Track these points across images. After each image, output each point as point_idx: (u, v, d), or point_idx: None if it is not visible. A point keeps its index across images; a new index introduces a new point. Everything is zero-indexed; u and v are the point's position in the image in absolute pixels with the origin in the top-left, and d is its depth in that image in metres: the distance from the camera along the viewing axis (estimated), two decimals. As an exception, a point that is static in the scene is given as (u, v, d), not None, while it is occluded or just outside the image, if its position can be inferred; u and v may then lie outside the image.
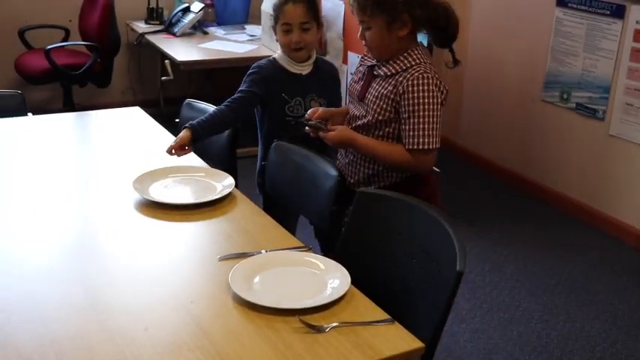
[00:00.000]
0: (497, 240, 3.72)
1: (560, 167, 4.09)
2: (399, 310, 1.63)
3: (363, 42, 2.17)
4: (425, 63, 2.11)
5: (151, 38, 4.80)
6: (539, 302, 3.17)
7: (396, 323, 1.54)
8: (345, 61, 4.32)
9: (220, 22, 5.19)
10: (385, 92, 2.13)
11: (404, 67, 2.11)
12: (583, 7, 3.76)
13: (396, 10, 2.07)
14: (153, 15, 5.11)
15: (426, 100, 2.07)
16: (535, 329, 2.96)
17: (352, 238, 1.97)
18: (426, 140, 2.08)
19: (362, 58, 2.31)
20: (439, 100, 2.10)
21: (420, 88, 2.07)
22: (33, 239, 1.86)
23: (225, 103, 2.50)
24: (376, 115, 2.15)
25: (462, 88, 4.75)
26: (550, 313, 3.09)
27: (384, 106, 2.13)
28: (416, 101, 2.07)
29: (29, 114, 2.88)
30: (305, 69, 2.57)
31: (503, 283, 3.31)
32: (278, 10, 2.54)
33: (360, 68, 2.29)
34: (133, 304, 1.58)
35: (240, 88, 2.55)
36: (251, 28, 5.02)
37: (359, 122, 2.21)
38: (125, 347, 1.42)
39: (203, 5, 4.95)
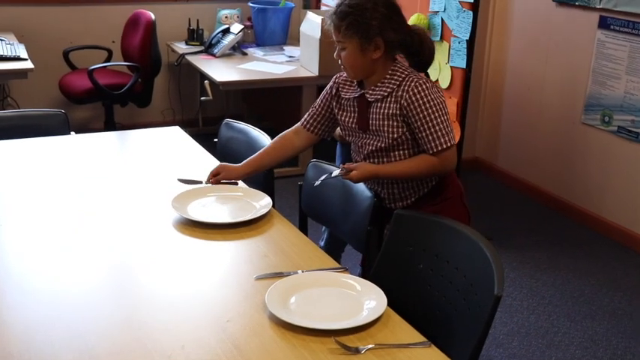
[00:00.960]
0: (535, 264, 3.66)
1: (600, 191, 4.02)
2: (435, 333, 1.62)
3: (339, 61, 2.22)
4: (411, 72, 2.20)
5: (191, 59, 4.86)
6: (578, 328, 3.10)
7: (433, 346, 1.52)
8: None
9: (259, 44, 5.25)
10: (390, 112, 2.17)
11: (397, 84, 2.17)
12: (625, 30, 3.72)
13: (368, 33, 2.12)
14: (193, 36, 5.19)
15: (433, 102, 2.14)
16: (574, 356, 2.90)
17: (389, 259, 1.96)
18: (446, 139, 2.16)
19: (337, 88, 2.32)
20: (443, 99, 2.17)
21: (422, 94, 2.14)
22: (73, 256, 1.88)
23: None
24: (390, 136, 2.19)
25: (501, 111, 4.71)
26: (590, 339, 3.02)
27: (394, 124, 2.17)
28: (424, 107, 2.14)
29: (72, 133, 2.93)
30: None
31: (541, 308, 3.25)
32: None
33: (344, 101, 2.29)
34: (170, 321, 1.59)
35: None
36: (290, 49, 5.06)
37: (371, 148, 2.24)
38: (162, 364, 1.43)
39: (242, 27, 5.02)
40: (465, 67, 3.50)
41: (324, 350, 1.49)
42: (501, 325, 3.08)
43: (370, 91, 2.20)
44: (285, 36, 5.30)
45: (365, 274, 2.22)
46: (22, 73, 4.10)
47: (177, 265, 1.87)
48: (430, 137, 2.15)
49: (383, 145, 2.21)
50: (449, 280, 1.80)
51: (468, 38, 3.45)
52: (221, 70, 4.57)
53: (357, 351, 1.48)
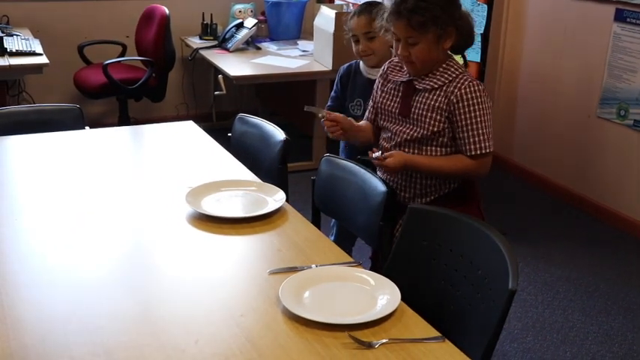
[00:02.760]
0: (550, 259, 3.64)
1: (616, 185, 3.99)
2: (449, 328, 1.61)
3: (403, 58, 2.17)
4: (465, 71, 2.20)
5: (205, 53, 4.87)
6: (593, 323, 3.09)
7: (447, 341, 1.52)
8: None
9: (273, 38, 5.25)
10: (437, 104, 2.17)
11: (449, 79, 2.17)
12: (641, 22, 3.68)
13: (444, 23, 2.12)
14: (207, 31, 5.19)
15: (482, 107, 2.15)
16: (589, 351, 2.89)
17: (402, 254, 1.95)
18: (487, 144, 2.16)
19: (386, 73, 2.33)
20: (490, 105, 2.18)
21: (474, 95, 2.14)
22: (88, 251, 1.89)
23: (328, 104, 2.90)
24: (430, 128, 2.18)
25: (516, 105, 4.69)
26: (605, 334, 3.00)
27: (438, 117, 2.17)
28: (473, 108, 2.14)
29: (86, 127, 2.95)
30: (374, 74, 2.67)
31: (556, 303, 3.24)
32: (347, 24, 2.78)
33: (390, 85, 2.30)
34: (184, 315, 1.59)
35: (332, 92, 2.95)
36: (303, 44, 5.06)
37: (406, 137, 2.23)
38: (176, 359, 1.44)
39: (256, 21, 5.02)
40: (479, 60, 3.48)
41: (337, 345, 1.49)
42: (516, 320, 3.07)
43: (420, 79, 2.20)
44: (298, 30, 5.29)
45: (375, 268, 2.23)
46: (37, 68, 4.13)
47: (191, 259, 1.88)
48: (472, 139, 2.15)
49: (420, 135, 2.20)
50: (463, 275, 1.80)
51: (482, 32, 3.44)
52: (235, 65, 4.57)
53: (370, 345, 1.48)
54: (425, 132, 2.19)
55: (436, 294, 1.85)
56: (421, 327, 1.57)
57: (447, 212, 1.92)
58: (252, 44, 5.00)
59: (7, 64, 3.99)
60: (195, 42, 5.14)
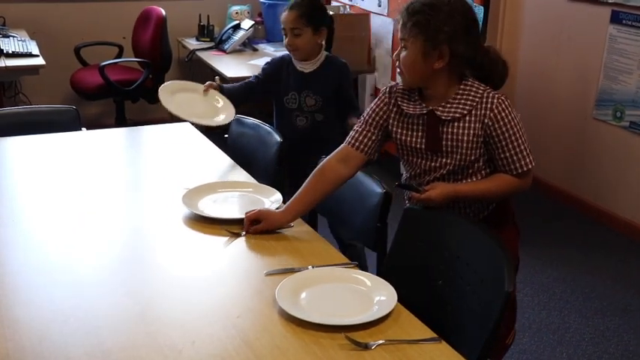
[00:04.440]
0: (546, 260, 3.65)
1: (612, 186, 4.00)
2: (446, 329, 1.62)
3: (397, 62, 2.02)
4: (486, 87, 2.01)
5: (202, 55, 4.88)
6: (590, 324, 3.09)
7: (443, 342, 1.52)
8: (393, 77, 4.32)
9: (270, 39, 5.25)
10: (471, 132, 1.98)
11: (476, 101, 1.97)
12: (638, 24, 3.69)
13: (435, 38, 1.91)
14: (204, 32, 5.20)
15: (516, 121, 2.00)
16: (586, 352, 2.89)
17: (399, 255, 1.96)
18: (530, 159, 2.02)
19: (396, 102, 2.07)
20: (520, 118, 2.03)
21: (507, 111, 1.98)
22: (85, 252, 1.89)
23: (243, 82, 2.97)
24: (467, 158, 2.01)
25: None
26: (602, 335, 3.01)
27: (474, 145, 1.99)
28: (509, 125, 1.98)
29: (83, 129, 2.95)
30: (307, 67, 2.87)
31: (552, 304, 3.24)
32: (281, 15, 2.90)
33: (407, 119, 2.06)
34: (181, 317, 1.60)
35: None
36: (300, 45, 5.06)
37: (442, 171, 2.04)
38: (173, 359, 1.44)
39: (253, 22, 5.02)
40: (475, 62, 3.49)
41: (334, 346, 1.49)
42: (512, 321, 3.08)
43: (441, 108, 1.98)
44: (295, 32, 5.29)
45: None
46: (33, 70, 4.13)
47: (187, 260, 1.88)
48: (515, 157, 2.00)
49: (455, 168, 2.02)
50: (459, 276, 1.80)
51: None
52: (231, 66, 4.58)
53: (367, 347, 1.48)
54: (462, 163, 2.01)
55: (432, 295, 1.85)
56: (417, 328, 1.57)
57: (442, 214, 1.93)
58: (248, 45, 5.01)
59: (4, 65, 3.99)
60: (192, 43, 5.14)
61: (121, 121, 5.01)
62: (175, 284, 1.75)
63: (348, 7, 4.83)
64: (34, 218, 2.09)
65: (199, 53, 4.91)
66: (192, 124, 2.79)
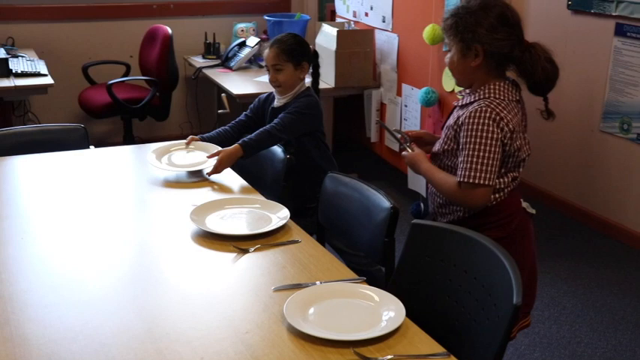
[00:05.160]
0: (556, 274, 3.64)
1: (621, 199, 3.99)
2: (455, 344, 1.61)
3: (447, 66, 2.20)
4: (494, 98, 2.07)
5: (208, 72, 4.90)
6: (601, 339, 3.07)
7: (452, 357, 1.52)
8: (399, 93, 4.33)
9: (275, 56, 5.26)
10: (451, 122, 2.14)
11: (473, 100, 2.10)
12: (642, 37, 3.70)
13: (468, 38, 2.06)
14: (210, 50, 5.23)
15: (480, 134, 2.02)
16: (597, 366, 2.88)
17: (406, 270, 1.96)
18: (475, 174, 2.03)
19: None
20: (495, 136, 2.03)
21: (476, 121, 2.03)
22: (93, 269, 1.90)
23: (231, 123, 2.98)
24: (443, 145, 2.16)
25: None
26: (614, 350, 2.99)
27: (449, 135, 2.13)
28: (470, 133, 2.04)
29: (91, 147, 2.96)
30: (278, 102, 2.94)
31: (563, 318, 3.23)
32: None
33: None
34: (189, 333, 1.60)
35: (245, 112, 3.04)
36: (306, 62, 5.08)
37: (433, 149, 2.25)
38: (181, 376, 1.44)
39: (259, 40, 5.05)
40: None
41: (342, 361, 1.49)
42: (522, 336, 3.06)
43: (464, 94, 2.18)
44: (301, 48, 5.31)
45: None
46: (42, 89, 4.15)
47: (195, 277, 1.88)
48: (462, 165, 2.06)
49: (436, 150, 2.22)
50: (467, 290, 1.80)
51: (483, 48, 3.45)
52: (238, 83, 4.60)
53: (375, 362, 1.48)
54: (438, 147, 2.19)
55: (440, 310, 1.85)
56: (426, 343, 1.57)
57: (450, 227, 1.92)
58: (254, 62, 5.03)
59: (13, 85, 4.02)
60: (198, 61, 5.17)
61: (129, 139, 5.03)
62: (183, 301, 1.75)
63: (352, 23, 4.85)
64: (43, 236, 2.10)
65: (206, 71, 4.93)
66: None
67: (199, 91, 5.47)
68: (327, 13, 5.52)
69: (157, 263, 1.98)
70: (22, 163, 2.68)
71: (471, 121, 2.04)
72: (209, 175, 2.53)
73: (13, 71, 4.15)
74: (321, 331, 1.56)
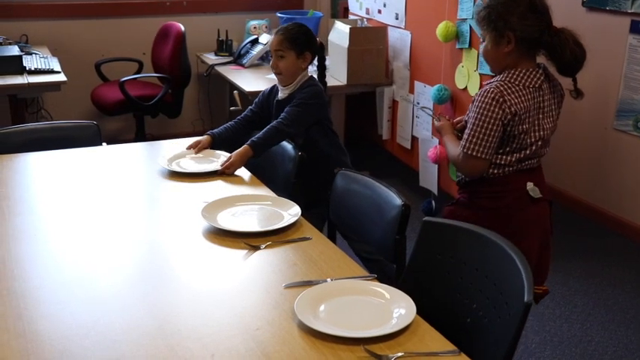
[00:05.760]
0: (568, 272, 3.62)
1: (634, 197, 3.96)
2: (465, 341, 1.61)
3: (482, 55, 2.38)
4: (507, 81, 2.25)
5: (221, 69, 4.91)
6: (613, 337, 3.06)
7: (463, 354, 1.52)
8: (411, 90, 4.32)
9: (287, 54, 5.27)
10: (472, 103, 2.31)
11: (493, 80, 2.28)
12: (657, 34, 3.67)
13: (500, 27, 2.23)
14: (222, 47, 5.23)
15: (482, 112, 2.22)
16: (609, 365, 2.86)
17: (417, 267, 1.95)
18: (472, 147, 2.25)
19: None
20: (495, 115, 2.21)
21: (481, 99, 2.23)
22: (105, 265, 1.91)
23: (237, 118, 2.97)
24: (466, 117, 2.37)
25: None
26: (625, 348, 2.97)
27: (471, 108, 2.31)
28: (475, 110, 2.24)
29: (104, 144, 2.97)
30: (281, 95, 2.94)
31: (574, 317, 3.21)
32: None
33: None
34: (200, 329, 1.60)
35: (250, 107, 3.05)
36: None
37: (463, 122, 2.45)
38: (192, 372, 1.45)
39: (271, 37, 5.05)
40: (493, 73, 3.48)
41: (353, 358, 1.49)
42: (533, 334, 3.05)
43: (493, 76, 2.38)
44: (313, 45, 5.31)
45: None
46: (55, 86, 4.18)
47: (207, 273, 1.89)
48: (466, 136, 2.28)
49: (464, 123, 2.40)
50: (478, 288, 1.79)
51: (496, 45, 3.44)
52: (250, 80, 4.60)
53: (386, 359, 1.48)
54: (463, 122, 2.40)
55: (451, 307, 1.84)
56: (437, 340, 1.57)
57: (461, 225, 1.92)
58: (267, 60, 5.03)
59: (26, 82, 4.04)
60: (211, 58, 5.18)
61: (141, 136, 5.05)
62: (194, 297, 1.75)
63: (365, 20, 4.84)
64: (55, 233, 2.11)
65: (218, 68, 4.94)
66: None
67: (211, 89, 5.49)
68: (340, 10, 5.51)
69: (168, 260, 1.99)
70: (35, 160, 2.70)
71: (478, 99, 2.24)
72: (219, 174, 2.55)
73: (27, 68, 4.17)
74: (331, 328, 1.57)
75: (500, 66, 2.30)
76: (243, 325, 1.62)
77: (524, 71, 2.26)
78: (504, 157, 2.29)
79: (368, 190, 2.31)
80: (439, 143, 3.94)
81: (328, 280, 1.80)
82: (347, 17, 5.16)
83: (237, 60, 4.99)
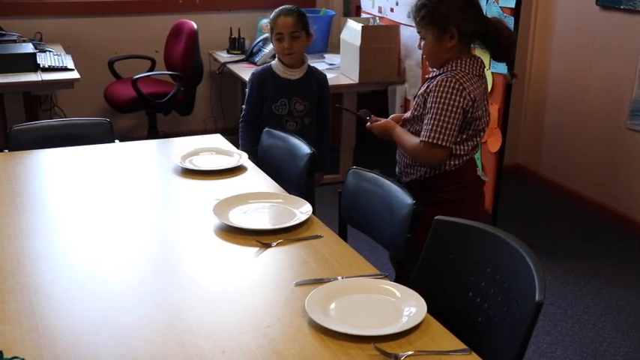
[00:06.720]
0: (580, 272, 3.60)
1: (647, 198, 3.94)
2: (476, 340, 1.60)
3: (421, 51, 2.48)
4: (460, 71, 2.37)
5: (233, 67, 4.92)
6: (625, 338, 3.04)
7: (473, 354, 1.51)
8: (423, 89, 4.31)
9: (300, 52, 5.27)
10: (422, 91, 2.44)
11: (441, 72, 2.39)
12: (671, 33, 3.64)
13: (443, 24, 2.35)
14: (235, 45, 5.24)
15: (444, 101, 2.32)
16: (621, 366, 2.85)
17: (428, 266, 1.95)
18: (435, 135, 2.34)
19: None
20: (457, 104, 2.33)
21: (442, 89, 2.33)
22: (117, 262, 1.92)
23: (247, 119, 3.15)
24: (414, 111, 2.48)
25: (544, 117, 4.66)
26: (637, 350, 2.96)
27: (419, 102, 2.44)
28: (435, 99, 2.34)
29: (116, 141, 2.99)
30: (295, 75, 3.09)
31: (586, 317, 3.20)
32: (273, 22, 3.09)
33: None
34: (211, 326, 1.61)
35: (246, 96, 3.16)
36: (330, 57, 5.08)
37: (405, 116, 2.56)
38: (203, 369, 1.45)
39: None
40: (506, 72, 3.47)
41: (363, 356, 1.49)
42: (545, 334, 3.04)
43: (431, 69, 2.49)
44: (325, 44, 5.32)
45: (399, 277, 2.26)
46: (68, 83, 4.20)
47: (218, 271, 1.89)
48: (426, 126, 2.37)
49: (408, 116, 2.51)
50: (489, 287, 1.79)
51: (509, 44, 3.42)
52: (262, 79, 4.60)
53: (396, 358, 1.48)
54: (410, 114, 2.50)
55: (462, 306, 1.84)
56: (447, 339, 1.57)
57: (473, 224, 1.92)
58: (279, 58, 5.04)
59: (40, 79, 4.06)
60: (223, 56, 5.19)
61: (153, 133, 5.07)
62: (206, 294, 1.76)
63: (377, 18, 4.84)
64: (68, 229, 2.12)
65: (230, 66, 4.95)
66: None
67: (223, 86, 5.50)
68: (353, 9, 5.51)
69: (179, 257, 2.00)
70: (48, 157, 2.71)
71: (438, 89, 2.34)
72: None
73: (41, 66, 4.19)
74: (342, 326, 1.57)
75: (442, 60, 2.41)
76: (254, 323, 1.62)
77: (468, 60, 2.40)
78: (461, 146, 2.43)
79: (379, 188, 2.31)
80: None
81: (339, 278, 1.80)
82: (359, 16, 5.15)
83: (250, 58, 5.00)
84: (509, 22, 3.40)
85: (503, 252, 1.78)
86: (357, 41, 4.37)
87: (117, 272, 1.86)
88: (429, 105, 2.37)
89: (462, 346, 1.54)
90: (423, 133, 2.37)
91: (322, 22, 5.26)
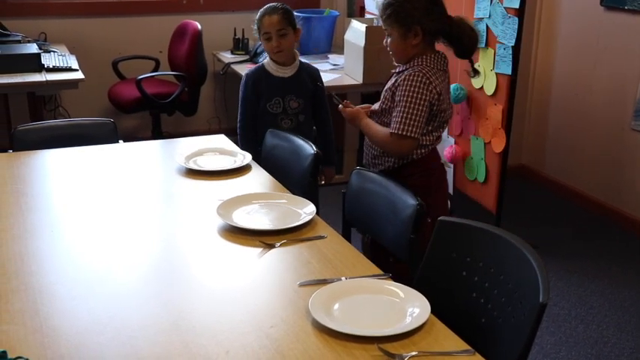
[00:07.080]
0: (584, 273, 3.60)
1: (651, 198, 3.93)
2: (480, 341, 1.60)
3: (388, 48, 2.55)
4: (425, 66, 2.47)
5: (237, 68, 4.92)
6: (629, 339, 3.04)
7: (477, 354, 1.51)
8: (427, 89, 4.31)
9: (304, 52, 5.26)
10: (389, 86, 2.54)
11: (408, 67, 2.48)
12: (676, 33, 3.64)
13: (408, 22, 2.45)
14: (239, 45, 5.25)
15: (412, 94, 2.43)
16: (625, 367, 2.84)
17: (432, 266, 1.95)
18: (404, 127, 2.44)
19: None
20: (424, 97, 2.43)
21: (409, 83, 2.43)
22: (121, 262, 1.92)
23: (244, 124, 3.15)
24: (382, 105, 2.57)
25: (548, 117, 4.65)
26: (641, 350, 2.96)
27: (387, 96, 2.54)
28: (404, 93, 2.44)
29: (120, 141, 2.99)
30: (287, 72, 3.11)
31: (590, 318, 3.19)
32: (259, 22, 3.10)
33: None
34: (214, 326, 1.61)
35: (241, 97, 3.17)
36: (334, 58, 5.08)
37: (373, 108, 2.65)
38: (206, 369, 1.45)
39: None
40: (510, 73, 3.47)
41: (366, 357, 1.49)
42: (548, 335, 3.04)
43: (396, 64, 2.58)
44: (329, 44, 5.32)
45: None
46: (73, 84, 4.21)
47: (221, 271, 1.90)
48: (396, 119, 2.46)
49: (377, 109, 2.62)
50: (493, 288, 1.79)
51: (513, 44, 3.42)
52: (266, 79, 4.60)
53: (400, 358, 1.48)
54: (378, 107, 2.60)
55: (466, 307, 1.84)
56: (451, 340, 1.57)
57: (476, 224, 1.92)
58: (283, 59, 5.04)
59: (45, 79, 4.07)
60: (227, 57, 5.19)
61: (157, 134, 5.07)
62: (209, 295, 1.76)
63: (381, 19, 4.84)
64: (72, 229, 2.13)
65: (234, 66, 4.96)
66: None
67: (227, 87, 5.50)
68: (357, 9, 5.51)
69: (183, 257, 2.00)
70: (53, 157, 2.72)
71: (406, 83, 2.44)
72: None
73: (45, 66, 4.21)
74: (345, 326, 1.57)
75: (407, 57, 2.51)
76: (257, 323, 1.62)
77: (432, 56, 2.50)
78: (427, 137, 2.54)
79: (383, 189, 2.31)
80: (455, 143, 3.93)
81: (343, 278, 1.80)
82: (363, 16, 5.15)
83: (253, 58, 5.00)
84: (513, 23, 3.39)
85: (507, 252, 1.78)
86: (361, 42, 4.37)
87: (121, 272, 1.87)
88: (397, 98, 2.47)
89: (465, 346, 1.54)
90: (392, 125, 2.47)
91: (326, 23, 5.26)
